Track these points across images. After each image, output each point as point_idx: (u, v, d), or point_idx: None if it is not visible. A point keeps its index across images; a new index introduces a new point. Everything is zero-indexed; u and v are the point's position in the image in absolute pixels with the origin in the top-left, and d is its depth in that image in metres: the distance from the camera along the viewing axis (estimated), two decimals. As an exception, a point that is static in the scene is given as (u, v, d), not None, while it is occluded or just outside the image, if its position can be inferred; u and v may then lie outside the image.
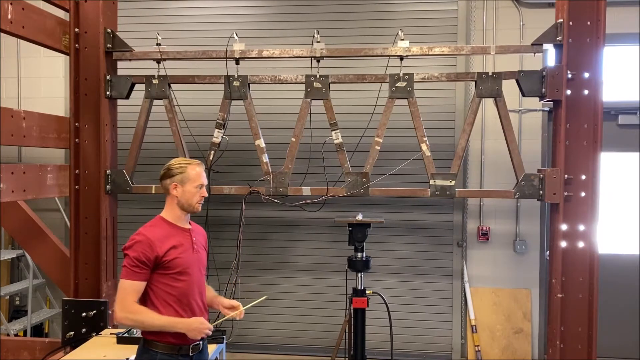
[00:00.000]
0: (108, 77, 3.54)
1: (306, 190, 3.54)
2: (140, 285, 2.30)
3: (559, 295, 3.19)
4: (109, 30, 3.52)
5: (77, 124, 3.51)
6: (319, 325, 4.85)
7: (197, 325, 2.32)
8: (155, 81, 3.55)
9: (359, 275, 3.63)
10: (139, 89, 3.62)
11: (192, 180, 2.43)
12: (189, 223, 2.53)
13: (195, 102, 4.54)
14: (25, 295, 4.99)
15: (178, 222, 2.46)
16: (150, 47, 3.57)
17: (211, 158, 3.56)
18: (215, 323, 2.56)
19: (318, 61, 3.49)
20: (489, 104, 4.31)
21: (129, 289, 2.28)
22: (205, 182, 2.51)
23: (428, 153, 3.43)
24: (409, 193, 3.62)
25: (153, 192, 3.57)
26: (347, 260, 3.66)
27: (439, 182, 3.42)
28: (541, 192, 3.31)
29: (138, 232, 2.36)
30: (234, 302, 2.64)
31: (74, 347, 3.13)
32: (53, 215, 5.05)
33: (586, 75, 3.18)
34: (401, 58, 3.43)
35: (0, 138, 2.93)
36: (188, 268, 2.39)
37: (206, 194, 2.51)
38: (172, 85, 3.59)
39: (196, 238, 2.51)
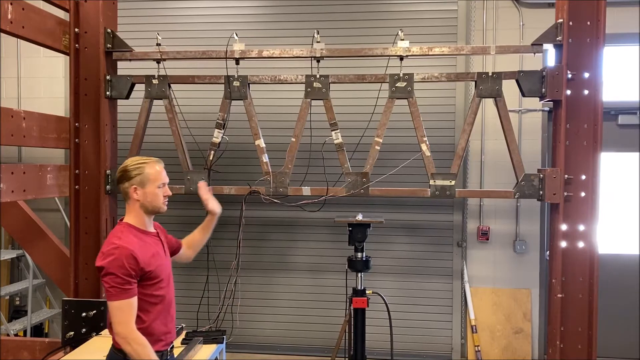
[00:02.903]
0: (108, 77, 3.53)
1: (306, 190, 3.54)
2: (135, 300, 2.16)
3: (559, 295, 3.19)
4: (109, 30, 3.52)
5: (77, 124, 3.50)
6: (319, 325, 4.85)
7: None
8: (155, 81, 3.55)
9: (359, 275, 3.63)
10: (139, 89, 3.61)
11: (153, 180, 2.28)
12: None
13: (195, 102, 4.54)
14: (25, 295, 5.00)
15: (146, 227, 2.33)
16: (150, 47, 3.57)
17: (211, 158, 3.56)
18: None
19: (318, 61, 3.49)
20: (489, 104, 4.31)
21: (128, 309, 2.13)
22: (167, 180, 2.37)
23: (428, 153, 3.43)
24: (409, 193, 3.61)
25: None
26: (347, 260, 3.66)
27: (439, 182, 3.42)
28: (541, 192, 3.31)
29: (115, 246, 2.15)
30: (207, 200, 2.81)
31: (74, 347, 3.13)
32: (53, 215, 5.05)
33: (586, 75, 3.18)
34: (401, 58, 3.43)
35: (0, 138, 2.93)
36: (167, 274, 2.32)
37: (170, 193, 2.37)
38: (172, 85, 3.59)
39: (164, 242, 2.43)
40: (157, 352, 2.27)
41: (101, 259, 2.16)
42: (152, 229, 2.39)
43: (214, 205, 2.81)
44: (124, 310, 2.13)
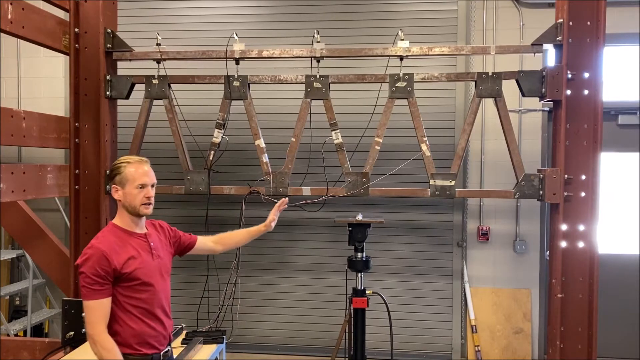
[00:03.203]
0: (108, 77, 3.53)
1: (306, 190, 3.54)
2: (107, 302, 2.14)
3: (559, 295, 3.19)
4: (109, 30, 3.52)
5: (77, 124, 3.50)
6: (319, 325, 4.85)
7: None
8: (155, 81, 3.55)
9: (359, 275, 3.63)
10: (139, 89, 3.61)
11: (131, 180, 2.24)
12: (147, 224, 2.38)
13: (195, 102, 4.54)
14: (25, 295, 5.00)
15: (131, 228, 2.29)
16: (150, 47, 3.57)
17: (211, 158, 3.56)
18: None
19: (318, 61, 3.49)
20: (489, 104, 4.31)
21: (97, 310, 2.12)
22: (150, 181, 2.30)
23: (428, 153, 3.43)
24: (409, 193, 3.62)
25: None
26: (347, 260, 3.66)
27: (439, 182, 3.42)
28: (541, 192, 3.31)
29: (90, 245, 2.17)
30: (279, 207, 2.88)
31: (74, 347, 3.13)
32: (53, 215, 5.05)
33: (586, 75, 3.18)
34: (401, 58, 3.43)
35: (0, 138, 2.93)
36: (150, 278, 2.25)
37: (151, 194, 2.29)
38: (172, 85, 3.59)
39: (154, 243, 2.35)
40: (146, 355, 2.24)
41: (79, 258, 2.18)
42: (139, 230, 2.33)
43: (273, 224, 2.90)
44: (93, 311, 2.12)
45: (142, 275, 2.22)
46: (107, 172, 3.52)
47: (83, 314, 3.17)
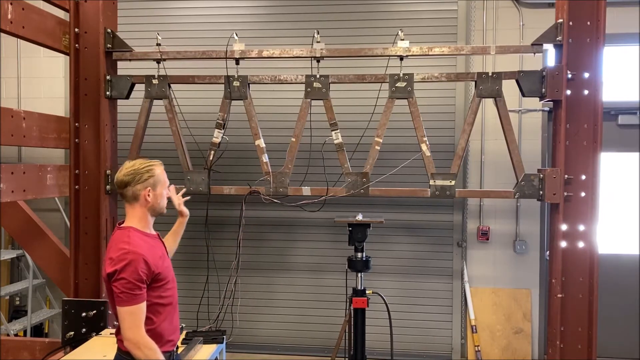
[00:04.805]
0: (108, 77, 3.54)
1: (306, 190, 3.54)
2: (144, 305, 2.15)
3: (559, 295, 3.19)
4: (109, 30, 3.52)
5: (77, 124, 3.50)
6: (319, 325, 4.85)
7: None
8: (155, 81, 3.55)
9: (359, 275, 3.63)
10: (139, 89, 3.62)
11: (162, 181, 2.32)
12: None
13: (195, 102, 4.54)
14: (25, 295, 5.00)
15: (149, 230, 2.33)
16: (150, 47, 3.57)
17: (211, 158, 3.56)
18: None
19: (318, 61, 3.49)
20: (489, 104, 4.31)
21: (137, 314, 2.11)
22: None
23: (428, 153, 3.43)
24: (409, 193, 3.62)
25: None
26: (347, 260, 3.66)
27: (439, 182, 3.42)
28: (541, 192, 3.31)
29: (126, 251, 2.13)
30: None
31: (74, 347, 3.13)
32: (53, 215, 5.05)
33: (586, 75, 3.18)
34: (401, 58, 3.43)
35: (0, 138, 2.93)
36: (172, 274, 2.34)
37: (170, 194, 2.45)
38: (172, 85, 3.59)
39: (164, 243, 2.45)
40: (165, 352, 2.27)
41: (112, 265, 2.12)
42: (154, 232, 2.39)
43: (185, 208, 2.79)
44: (134, 316, 2.11)
45: (168, 274, 2.30)
46: (108, 172, 3.51)
47: (83, 315, 3.21)
